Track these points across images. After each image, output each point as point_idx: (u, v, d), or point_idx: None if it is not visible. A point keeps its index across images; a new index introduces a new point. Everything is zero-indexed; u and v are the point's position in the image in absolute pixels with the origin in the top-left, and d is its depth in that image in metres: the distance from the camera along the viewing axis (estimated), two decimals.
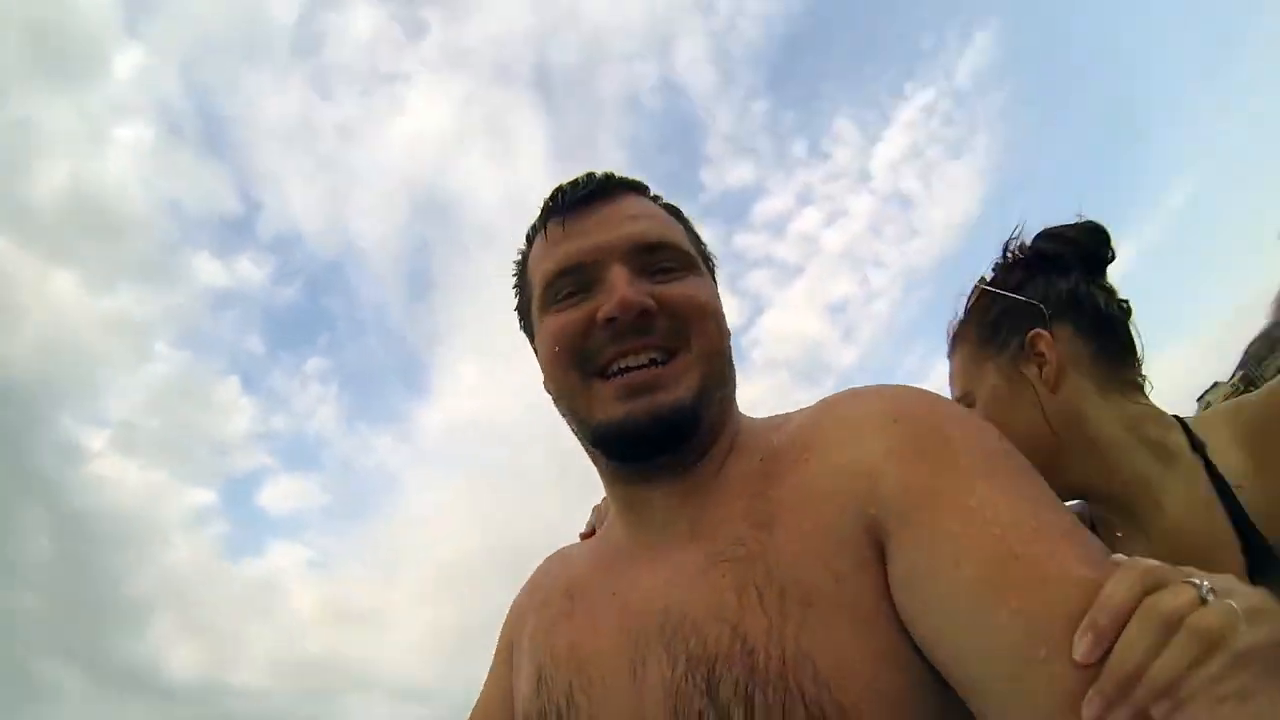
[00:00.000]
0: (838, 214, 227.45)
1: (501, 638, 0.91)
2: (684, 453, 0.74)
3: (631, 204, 0.80)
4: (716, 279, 0.86)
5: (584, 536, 1.00)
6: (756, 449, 0.74)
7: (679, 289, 0.75)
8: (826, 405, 0.73)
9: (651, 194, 0.85)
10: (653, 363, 0.72)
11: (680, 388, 0.72)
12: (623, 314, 0.71)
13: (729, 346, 0.78)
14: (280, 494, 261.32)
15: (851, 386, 0.74)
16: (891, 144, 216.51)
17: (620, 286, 0.72)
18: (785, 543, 0.63)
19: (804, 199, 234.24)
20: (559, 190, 0.80)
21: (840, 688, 0.54)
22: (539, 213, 0.82)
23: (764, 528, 0.65)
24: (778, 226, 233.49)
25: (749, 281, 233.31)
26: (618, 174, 0.82)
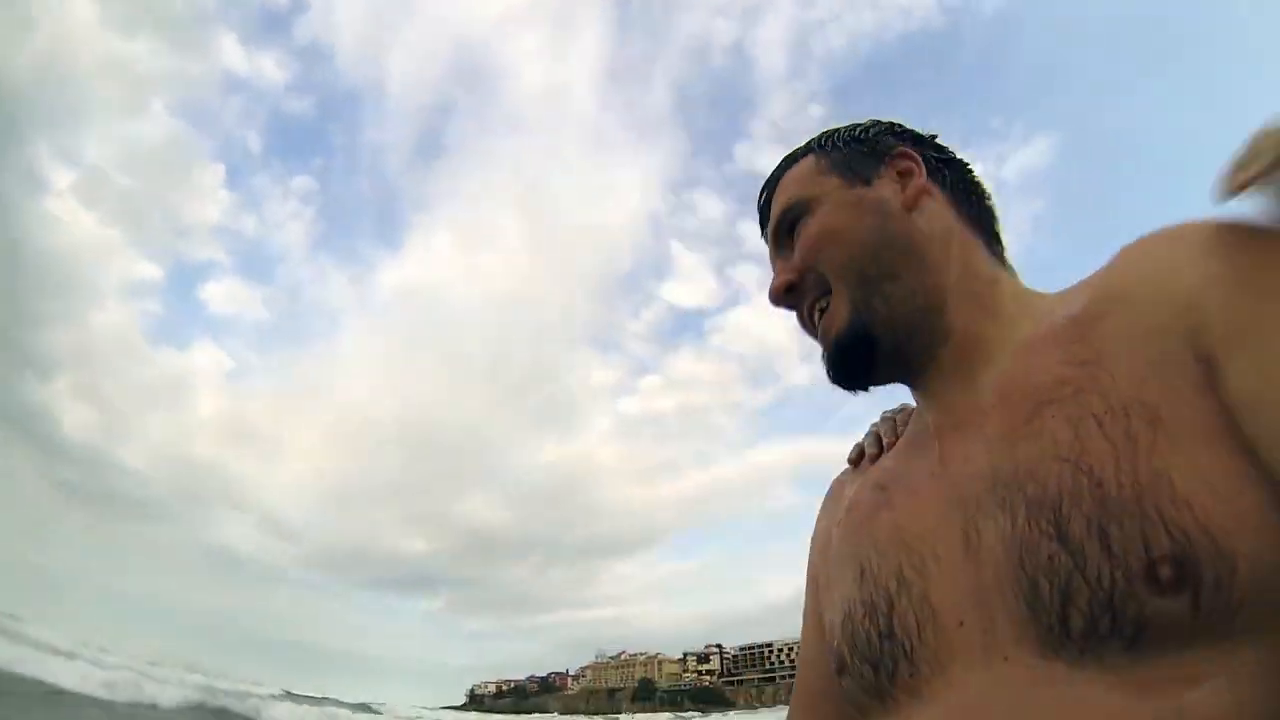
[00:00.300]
0: None
1: (807, 580, 0.90)
2: (904, 363, 0.76)
3: (782, 186, 0.83)
4: (878, 158, 0.79)
5: (853, 461, 0.90)
6: (1054, 311, 0.69)
7: (801, 242, 0.78)
8: (1125, 255, 0.66)
9: (806, 145, 0.85)
10: (821, 312, 0.77)
11: (836, 322, 0.75)
12: (777, 304, 0.80)
13: (867, 244, 0.74)
14: (224, 295, 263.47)
15: (1139, 238, 0.66)
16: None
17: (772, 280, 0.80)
18: (1116, 372, 0.59)
19: None
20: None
21: (1202, 507, 0.51)
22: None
23: (1088, 364, 0.61)
24: None
25: (737, 270, 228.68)
26: (777, 170, 0.85)
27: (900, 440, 0.84)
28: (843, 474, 0.92)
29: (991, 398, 0.69)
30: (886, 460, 0.83)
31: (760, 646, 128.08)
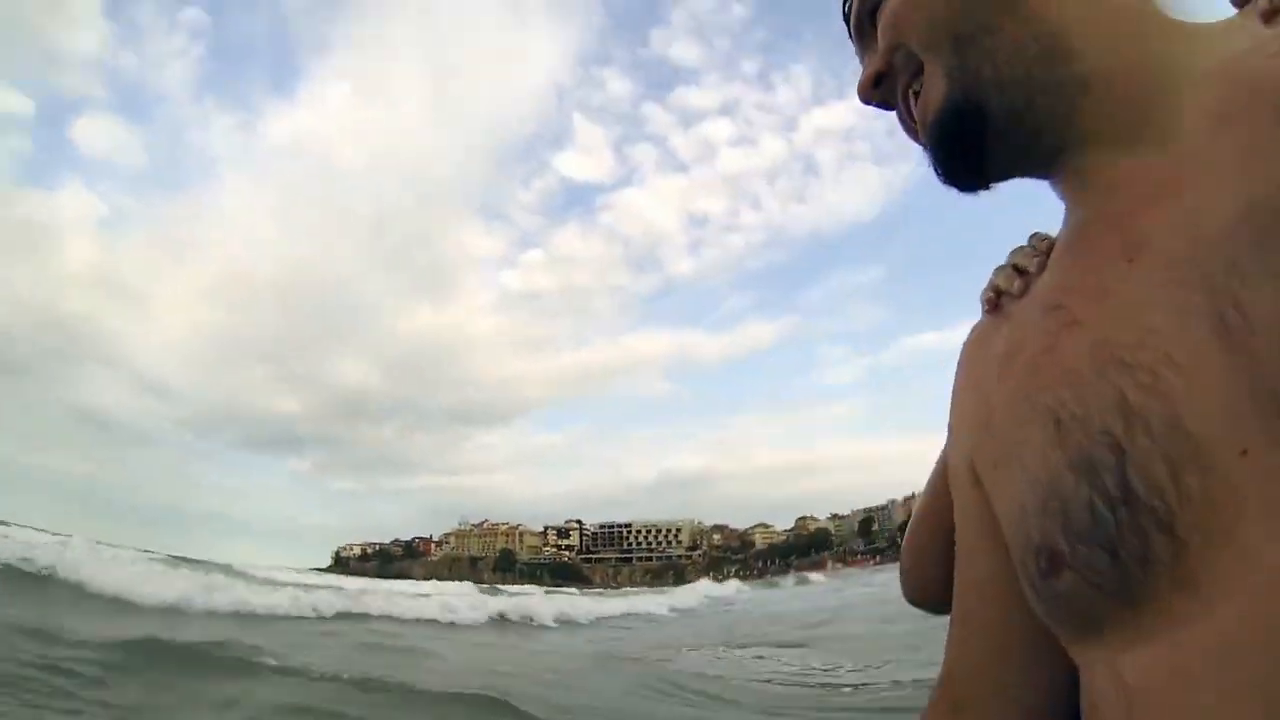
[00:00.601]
0: (747, 141, 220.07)
1: (940, 477, 0.74)
2: (1033, 138, 0.56)
3: None
4: None
5: (990, 303, 0.67)
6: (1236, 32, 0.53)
7: (882, 21, 0.63)
8: None
9: None
10: (916, 96, 0.62)
11: (933, 98, 0.58)
12: (867, 100, 0.68)
13: (960, 4, 0.57)
14: (98, 134, 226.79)
15: None
16: (832, 115, 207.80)
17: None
18: None
19: (726, 110, 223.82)
20: None
21: None
22: None
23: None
24: (688, 119, 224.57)
25: (635, 150, 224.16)
26: None
27: (1051, 256, 0.62)
28: (977, 327, 0.70)
29: (1195, 130, 0.49)
30: (1045, 279, 0.61)
31: (620, 526, 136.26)
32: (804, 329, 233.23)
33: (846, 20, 0.72)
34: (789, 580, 70.06)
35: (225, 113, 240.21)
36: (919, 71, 0.61)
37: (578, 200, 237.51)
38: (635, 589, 74.98)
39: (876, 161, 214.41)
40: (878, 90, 0.66)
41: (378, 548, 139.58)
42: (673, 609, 19.20)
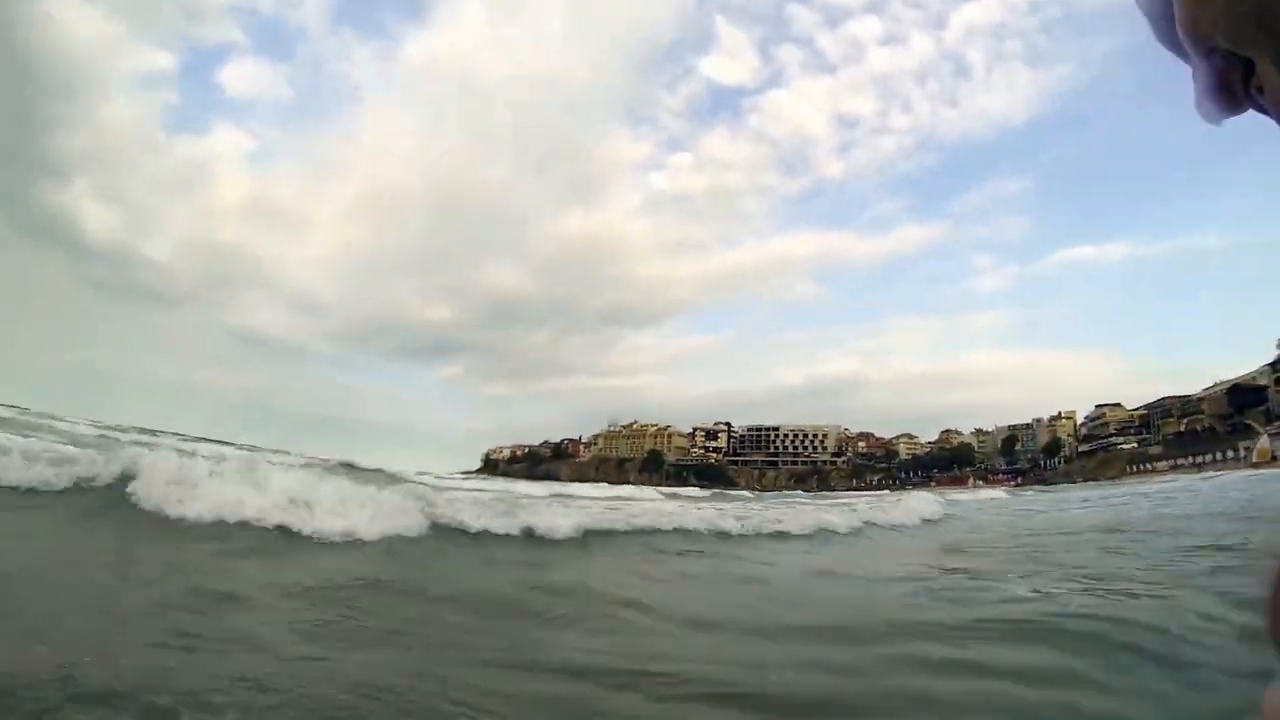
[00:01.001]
0: (896, 40, 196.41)
1: None
2: None
3: None
4: None
5: None
6: None
7: (1179, 25, 0.58)
8: None
9: None
10: (1260, 91, 0.58)
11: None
12: (1211, 118, 0.61)
13: None
14: (242, 76, 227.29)
15: None
16: (984, 9, 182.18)
17: None
18: None
19: (873, 8, 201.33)
20: None
21: None
22: None
23: None
24: (835, 18, 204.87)
25: (780, 51, 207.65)
26: None
27: None
28: None
29: None
30: None
31: (767, 429, 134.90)
32: (954, 235, 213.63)
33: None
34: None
35: (362, 43, 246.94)
36: (1250, 68, 0.57)
37: (724, 104, 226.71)
38: (781, 493, 73.69)
39: (1028, 62, 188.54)
40: (1214, 104, 0.60)
41: (527, 449, 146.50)
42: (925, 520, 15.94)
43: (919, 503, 16.96)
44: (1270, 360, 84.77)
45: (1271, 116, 0.58)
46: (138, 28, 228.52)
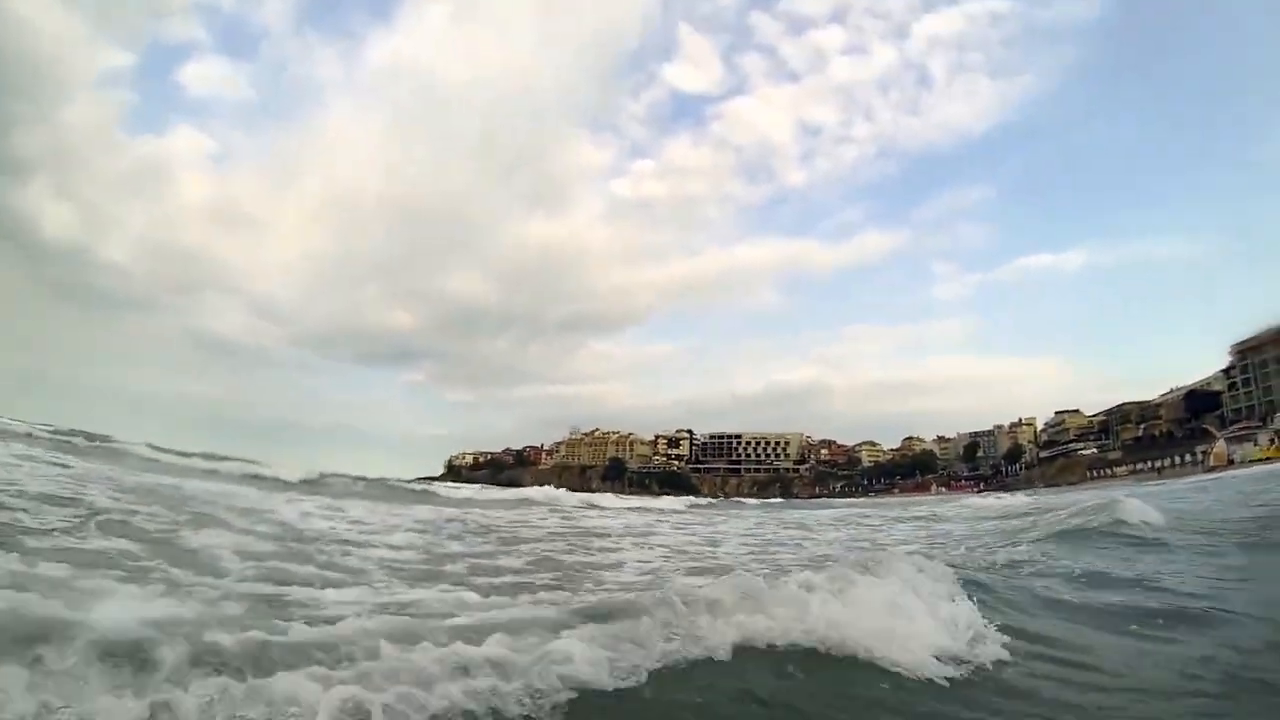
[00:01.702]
0: (858, 49, 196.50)
1: None
2: None
3: None
4: None
5: None
6: None
7: None
8: None
9: None
10: None
11: None
12: None
13: None
14: (203, 75, 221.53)
15: None
16: (946, 21, 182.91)
17: None
18: None
19: (836, 17, 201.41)
20: None
21: None
22: None
23: None
24: (798, 27, 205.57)
25: (744, 60, 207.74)
26: None
27: None
28: None
29: None
30: None
31: (729, 436, 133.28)
32: (915, 243, 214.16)
33: None
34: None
35: (326, 44, 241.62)
36: None
37: (687, 111, 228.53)
38: (743, 500, 71.77)
39: (989, 73, 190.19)
40: None
41: (489, 456, 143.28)
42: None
43: None
44: (1224, 366, 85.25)
45: None
46: (99, 23, 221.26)
